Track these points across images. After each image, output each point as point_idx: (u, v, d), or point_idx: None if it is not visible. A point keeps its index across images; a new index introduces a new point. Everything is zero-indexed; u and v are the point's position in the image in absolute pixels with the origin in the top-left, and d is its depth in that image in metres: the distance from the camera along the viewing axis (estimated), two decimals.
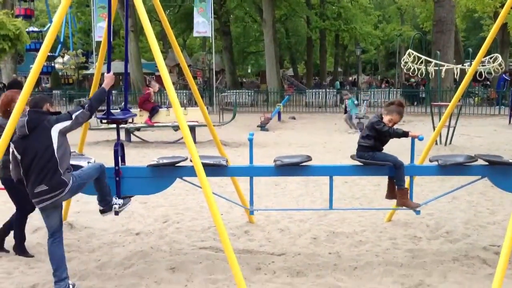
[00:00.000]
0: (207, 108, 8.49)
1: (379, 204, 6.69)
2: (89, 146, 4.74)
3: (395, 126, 4.68)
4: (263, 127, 17.18)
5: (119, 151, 4.57)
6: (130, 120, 4.76)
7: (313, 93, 26.97)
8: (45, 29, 42.06)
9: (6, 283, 4.24)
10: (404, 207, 4.76)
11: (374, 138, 4.63)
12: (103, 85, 4.30)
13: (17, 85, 21.24)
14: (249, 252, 5.04)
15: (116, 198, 4.45)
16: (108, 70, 4.55)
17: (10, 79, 28.87)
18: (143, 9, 4.05)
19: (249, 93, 27.59)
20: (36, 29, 40.51)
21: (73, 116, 3.90)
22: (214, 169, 4.59)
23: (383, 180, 7.90)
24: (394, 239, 5.41)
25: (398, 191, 4.67)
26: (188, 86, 29.67)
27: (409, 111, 20.60)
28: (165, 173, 4.54)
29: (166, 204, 6.88)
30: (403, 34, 40.87)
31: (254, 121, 17.99)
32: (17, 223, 4.96)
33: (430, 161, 4.86)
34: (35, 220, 6.05)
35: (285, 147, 12.46)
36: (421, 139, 4.63)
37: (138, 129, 13.39)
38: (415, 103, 24.82)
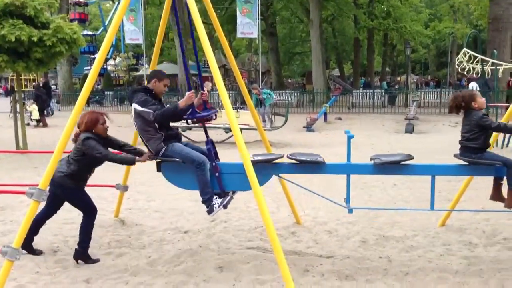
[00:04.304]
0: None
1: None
2: None
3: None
4: (309, 128, 17.08)
5: (211, 148, 4.56)
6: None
7: (360, 94, 26.50)
8: (98, 32, 43.67)
9: (61, 277, 4.40)
10: None
11: (483, 136, 4.34)
12: (179, 102, 4.34)
13: (46, 87, 22.98)
14: (297, 253, 4.99)
15: (215, 198, 4.40)
16: (189, 88, 4.56)
17: (66, 80, 30.23)
18: (196, 10, 4.10)
19: (295, 94, 27.49)
20: (89, 32, 42.08)
21: (145, 108, 4.32)
22: (311, 166, 4.50)
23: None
24: (448, 245, 5.20)
25: (509, 191, 4.34)
26: (231, 87, 29.98)
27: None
28: (262, 170, 4.42)
29: None
30: (456, 32, 39.34)
31: (300, 122, 17.90)
32: (86, 230, 4.69)
33: None
34: None
35: (333, 147, 12.30)
36: None
37: (190, 129, 13.62)
38: None
